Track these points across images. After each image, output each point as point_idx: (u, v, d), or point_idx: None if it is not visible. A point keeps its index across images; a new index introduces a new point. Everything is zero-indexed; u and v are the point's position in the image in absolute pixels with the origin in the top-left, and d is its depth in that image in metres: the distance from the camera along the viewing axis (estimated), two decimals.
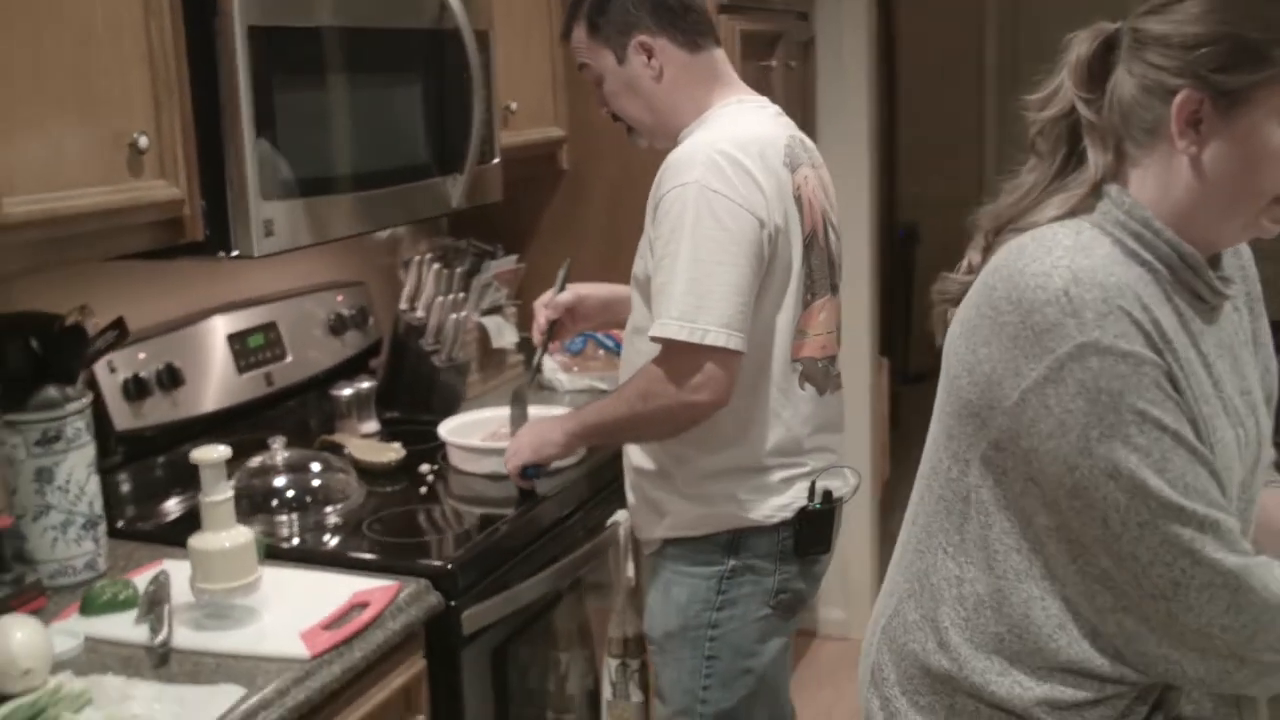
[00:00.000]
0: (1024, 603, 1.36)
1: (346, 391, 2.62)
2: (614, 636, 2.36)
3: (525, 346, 2.96)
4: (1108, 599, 1.32)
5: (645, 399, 2.01)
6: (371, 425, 2.66)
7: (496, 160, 2.60)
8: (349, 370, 2.70)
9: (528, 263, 3.14)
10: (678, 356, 1.96)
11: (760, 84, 3.20)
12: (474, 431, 2.49)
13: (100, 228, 1.79)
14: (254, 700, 1.60)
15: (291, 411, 2.57)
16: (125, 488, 2.19)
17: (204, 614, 1.80)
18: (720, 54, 2.18)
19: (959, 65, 7.00)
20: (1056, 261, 1.28)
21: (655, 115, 2.15)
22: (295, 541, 2.13)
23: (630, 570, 2.33)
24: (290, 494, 2.21)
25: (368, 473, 2.41)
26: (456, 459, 2.42)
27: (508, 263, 3.06)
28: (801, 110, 3.69)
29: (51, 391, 1.89)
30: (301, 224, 2.04)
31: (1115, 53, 1.36)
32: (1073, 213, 1.36)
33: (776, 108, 2.21)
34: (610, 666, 2.38)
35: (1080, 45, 1.39)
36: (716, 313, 1.93)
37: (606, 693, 2.40)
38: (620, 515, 2.33)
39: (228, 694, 1.61)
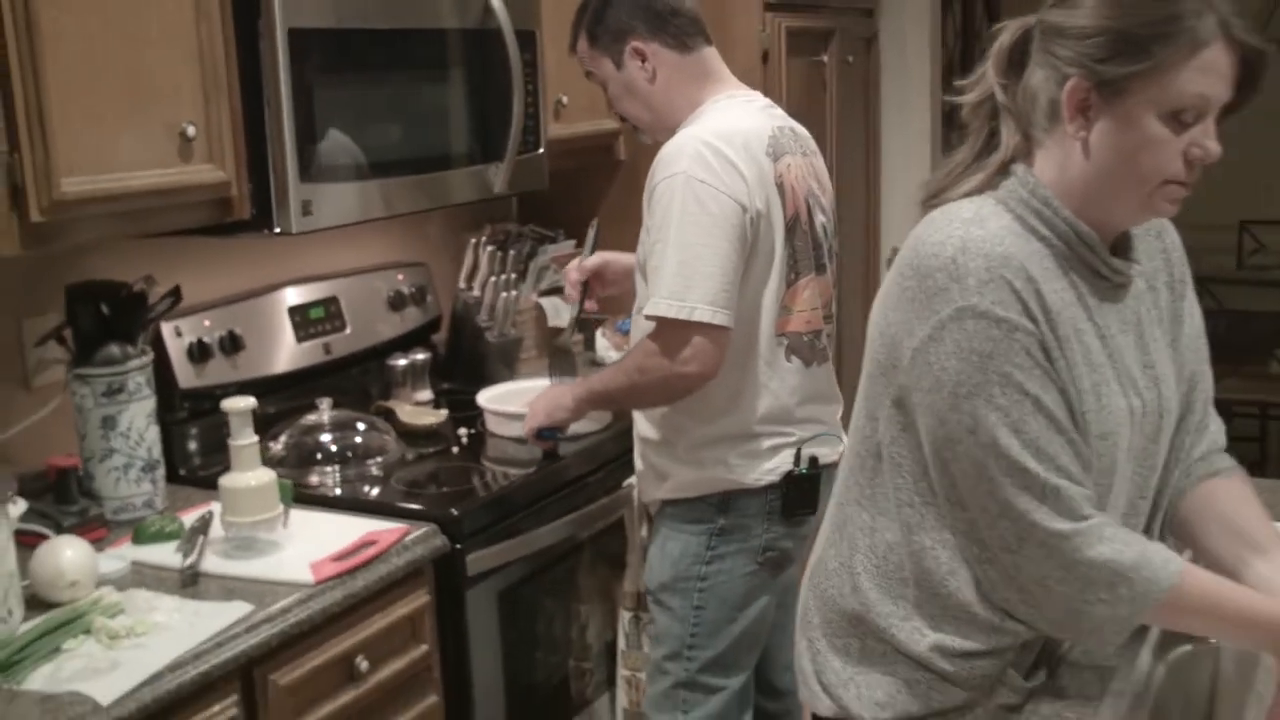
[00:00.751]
0: (920, 552, 1.50)
1: (402, 362, 2.87)
2: (628, 591, 2.56)
3: (584, 325, 3.16)
4: (975, 550, 1.45)
5: (642, 371, 2.21)
6: (425, 394, 2.91)
7: (541, 150, 2.82)
8: (408, 343, 2.94)
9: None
10: (669, 332, 2.15)
11: (812, 79, 3.39)
12: (513, 400, 2.70)
13: (154, 205, 2.06)
14: (259, 616, 1.85)
15: (351, 379, 2.82)
16: (188, 439, 2.46)
17: (232, 545, 2.06)
18: (711, 52, 2.35)
19: None
20: (952, 232, 1.42)
21: (654, 113, 2.34)
22: (337, 491, 2.38)
23: (644, 530, 2.52)
24: (334, 449, 2.47)
25: (411, 434, 2.66)
26: (491, 423, 2.66)
27: (565, 247, 3.27)
28: (864, 105, 3.83)
29: (114, 349, 2.17)
30: (338, 205, 2.29)
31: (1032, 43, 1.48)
32: (984, 188, 1.49)
33: (766, 101, 2.37)
34: (624, 619, 2.58)
35: (1004, 34, 1.51)
36: (703, 291, 2.11)
37: (621, 643, 2.60)
38: (634, 479, 2.52)
39: (238, 609, 1.86)
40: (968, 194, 1.50)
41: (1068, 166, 1.45)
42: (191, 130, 2.07)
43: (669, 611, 2.33)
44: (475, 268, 3.04)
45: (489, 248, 3.02)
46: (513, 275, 3.04)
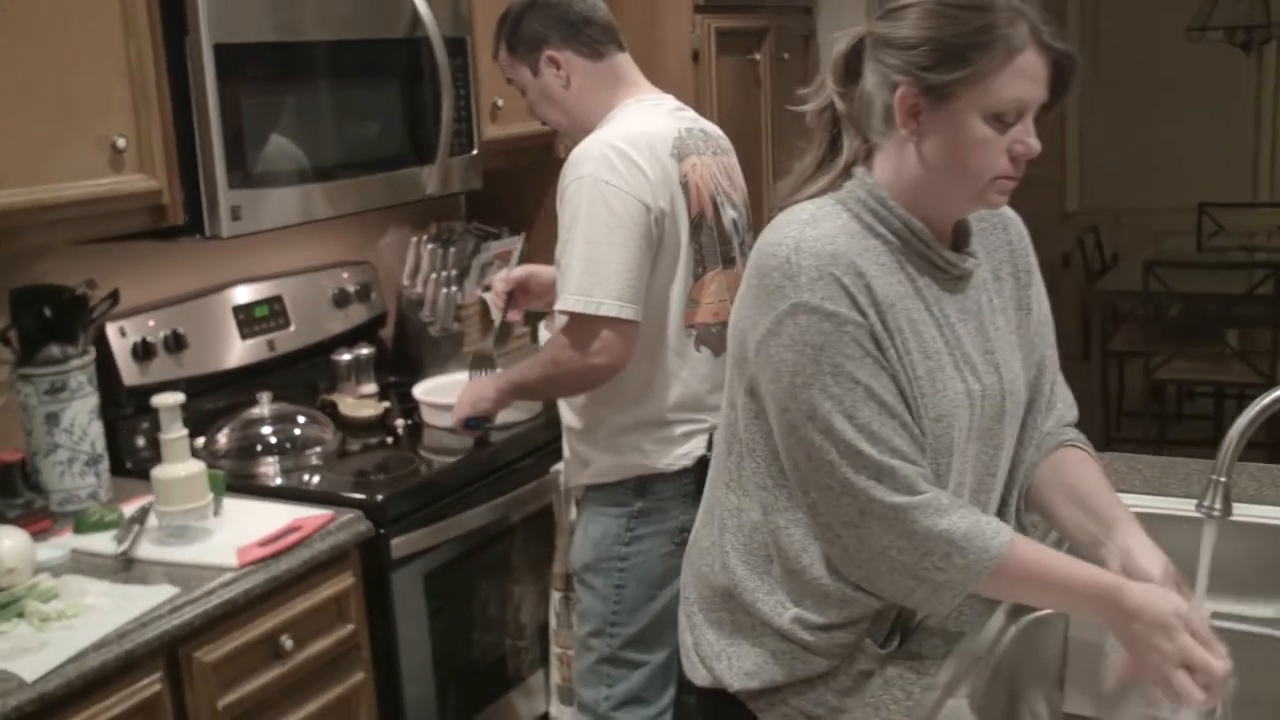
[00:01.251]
0: (776, 531, 1.62)
1: (346, 357, 3.00)
2: (557, 572, 2.69)
3: (532, 318, 3.28)
4: (821, 528, 1.57)
5: (555, 364, 2.33)
6: (370, 387, 3.03)
7: (475, 152, 2.94)
8: (353, 338, 3.07)
9: (532, 243, 3.47)
10: (578, 326, 2.27)
11: (745, 76, 3.51)
12: (449, 392, 2.81)
13: (88, 214, 2.18)
14: (184, 598, 1.98)
15: (298, 373, 2.95)
16: (134, 434, 2.59)
17: (166, 533, 2.19)
18: (624, 58, 2.47)
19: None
20: (788, 233, 1.53)
21: (570, 118, 2.46)
22: (277, 480, 2.51)
23: (572, 514, 2.65)
24: (274, 440, 2.61)
25: (352, 426, 2.79)
26: (426, 414, 2.78)
27: (509, 243, 3.39)
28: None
29: (54, 350, 2.29)
30: (268, 209, 2.42)
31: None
32: (827, 190, 1.60)
33: (675, 104, 2.48)
34: (555, 599, 2.71)
35: (839, 44, 1.60)
36: (609, 286, 2.24)
37: (552, 622, 2.73)
38: (560, 465, 2.65)
39: (164, 592, 1.99)
40: (812, 196, 1.60)
41: (903, 167, 1.56)
42: (122, 142, 2.19)
43: (592, 591, 2.46)
44: (418, 265, 3.17)
45: (429, 245, 3.15)
46: (454, 272, 3.16)
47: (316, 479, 2.51)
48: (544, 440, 2.73)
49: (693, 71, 3.31)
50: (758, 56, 3.58)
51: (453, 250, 3.19)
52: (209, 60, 2.28)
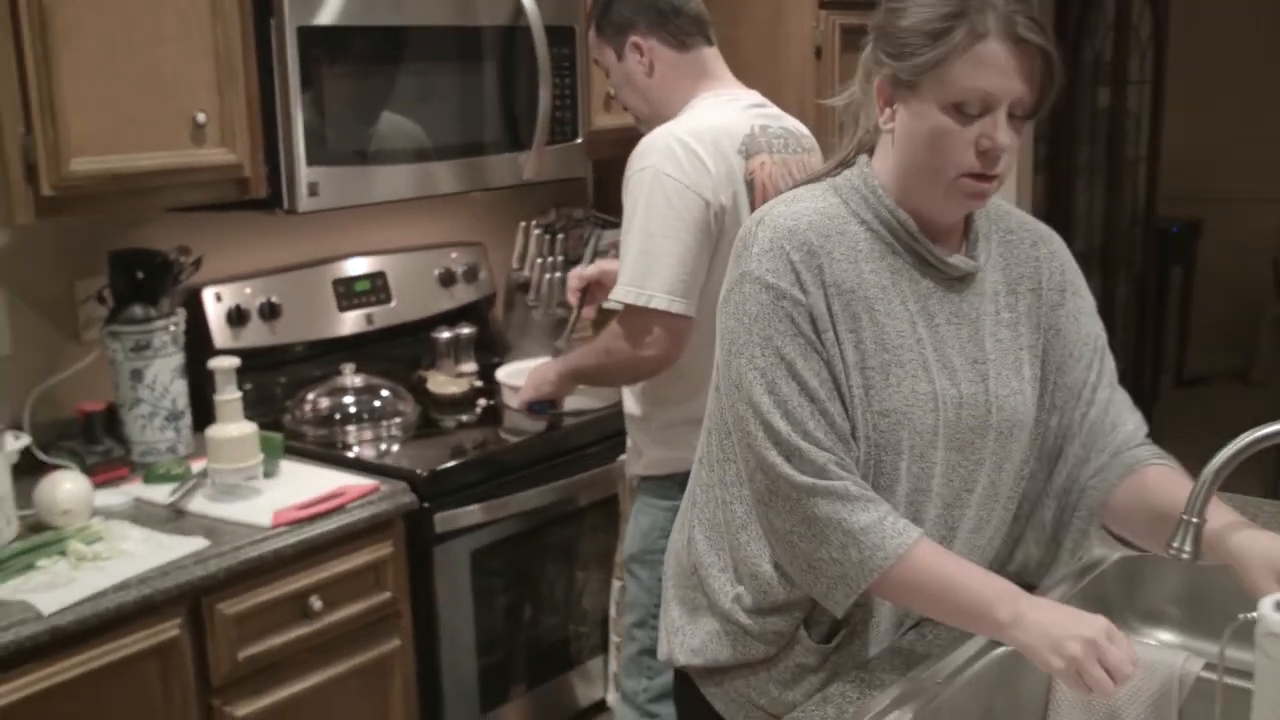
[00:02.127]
0: (724, 505, 1.64)
1: (445, 335, 3.09)
2: (618, 560, 2.72)
3: (605, 314, 3.31)
4: (748, 504, 1.59)
5: (608, 353, 2.37)
6: (469, 366, 3.13)
7: (579, 140, 2.99)
8: (458, 317, 3.16)
9: None
10: (630, 317, 2.30)
11: None
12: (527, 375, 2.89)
13: (165, 184, 2.33)
14: (212, 551, 2.10)
15: (398, 348, 3.07)
16: None
17: (219, 490, 2.32)
18: (710, 52, 2.47)
19: (1241, 57, 6.70)
20: (770, 209, 1.58)
21: (650, 105, 2.48)
22: (354, 449, 2.62)
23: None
24: (353, 410, 2.72)
25: (437, 402, 2.89)
26: (505, 396, 2.85)
27: None
28: None
29: (137, 310, 2.45)
30: (344, 187, 2.53)
31: None
32: (827, 176, 1.63)
33: (753, 100, 2.47)
34: (615, 587, 2.74)
35: (866, 39, 1.61)
36: (661, 279, 2.26)
37: (611, 610, 2.76)
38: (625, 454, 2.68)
39: (195, 543, 2.11)
40: (816, 180, 1.64)
41: (886, 158, 1.57)
42: (202, 117, 2.33)
43: (638, 581, 2.48)
44: (525, 249, 3.24)
45: (537, 230, 3.22)
46: (560, 258, 3.22)
47: (388, 449, 2.61)
48: (615, 428, 2.75)
49: (814, 67, 3.28)
50: None
51: (561, 236, 3.24)
52: (292, 42, 2.40)
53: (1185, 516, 1.49)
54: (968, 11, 1.44)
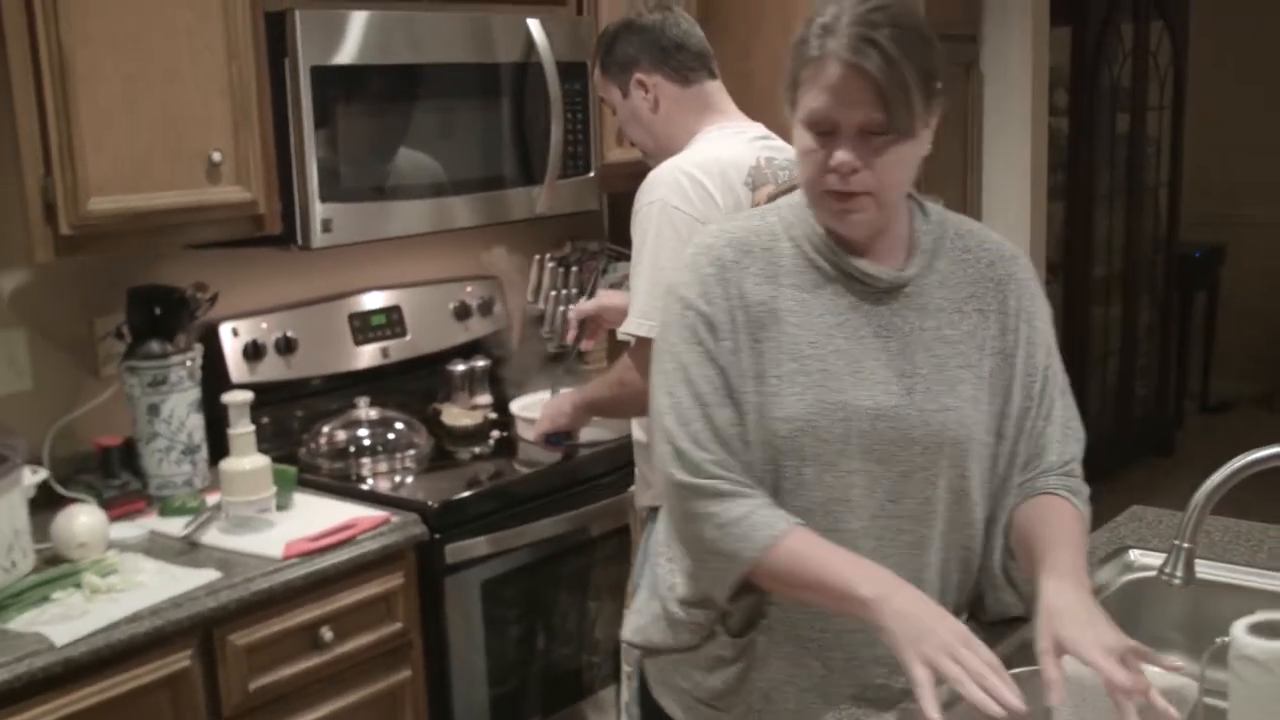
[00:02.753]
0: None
1: (460, 368, 3.13)
2: (629, 590, 2.74)
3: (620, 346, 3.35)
4: None
5: (621, 384, 2.40)
6: (484, 398, 3.16)
7: (592, 174, 3.03)
8: (473, 350, 3.20)
9: None
10: (642, 350, 2.32)
11: None
12: (541, 408, 2.92)
13: (183, 221, 2.38)
14: (223, 583, 2.13)
15: (413, 380, 3.10)
16: None
17: (232, 523, 2.35)
18: (714, 85, 2.51)
19: (1261, 81, 6.71)
20: (705, 228, 1.76)
21: (655, 140, 2.52)
22: (368, 482, 2.65)
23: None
24: (367, 443, 2.75)
25: (451, 434, 2.92)
26: (520, 428, 2.88)
27: None
28: (961, 131, 3.88)
29: (154, 345, 2.50)
30: (358, 223, 2.57)
31: None
32: (788, 194, 1.71)
33: (759, 132, 2.50)
34: (627, 616, 2.75)
35: None
36: None
37: (623, 639, 2.78)
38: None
39: (206, 575, 2.15)
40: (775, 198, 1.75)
41: None
42: (217, 156, 2.38)
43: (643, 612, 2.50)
44: (540, 282, 3.28)
45: (550, 264, 3.26)
46: (574, 290, 3.26)
47: (402, 481, 2.64)
48: (627, 459, 2.76)
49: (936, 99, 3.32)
50: None
51: (575, 269, 3.28)
52: (306, 81, 2.45)
53: (1177, 542, 1.51)
54: (810, 39, 1.51)
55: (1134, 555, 2.09)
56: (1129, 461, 5.91)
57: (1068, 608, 1.44)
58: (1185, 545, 1.50)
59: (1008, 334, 1.67)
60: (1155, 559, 2.01)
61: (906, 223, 1.66)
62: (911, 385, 1.61)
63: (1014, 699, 1.36)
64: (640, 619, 1.82)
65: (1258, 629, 1.17)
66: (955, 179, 3.88)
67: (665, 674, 1.80)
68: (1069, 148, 5.50)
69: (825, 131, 1.51)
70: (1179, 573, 1.51)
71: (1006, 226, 3.99)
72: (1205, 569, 1.98)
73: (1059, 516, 1.62)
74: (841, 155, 1.50)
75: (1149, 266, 6.18)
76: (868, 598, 1.48)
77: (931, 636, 1.42)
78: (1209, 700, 1.49)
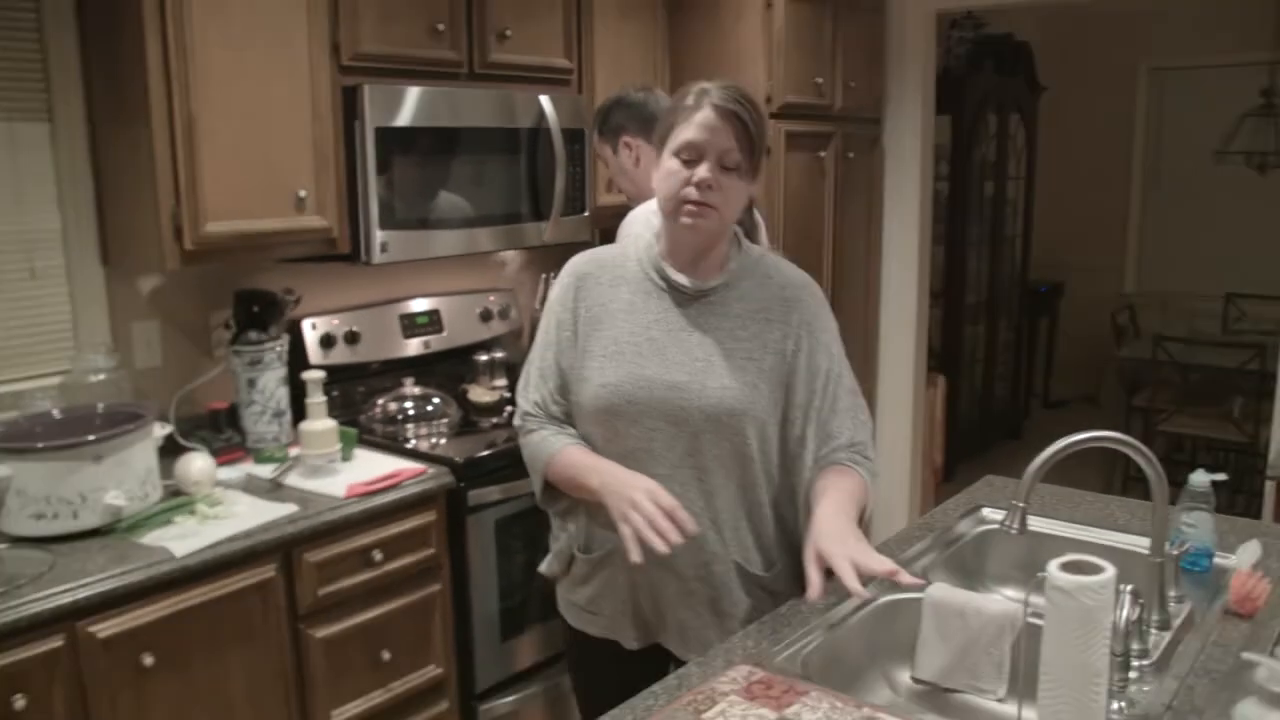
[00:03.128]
0: None
1: (483, 357, 3.14)
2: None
3: None
4: None
5: None
6: (501, 381, 3.17)
7: (587, 213, 3.06)
8: (492, 345, 3.22)
9: None
10: None
11: (812, 170, 3.51)
12: None
13: (275, 242, 2.40)
14: (300, 515, 2.15)
15: (448, 366, 3.12)
16: None
17: (309, 470, 2.37)
18: None
19: (1092, 159, 6.80)
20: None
21: (636, 188, 2.54)
22: (411, 442, 2.67)
23: None
24: (411, 412, 2.77)
25: (476, 407, 2.94)
26: None
27: None
28: (868, 190, 3.92)
29: (253, 335, 2.52)
30: (408, 246, 2.59)
31: None
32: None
33: None
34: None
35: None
36: None
37: None
38: None
39: (288, 509, 2.17)
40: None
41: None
42: (303, 193, 2.40)
43: None
44: (544, 295, 3.30)
45: (553, 280, 3.27)
46: None
47: (437, 442, 2.66)
48: None
49: (765, 163, 3.34)
50: (823, 154, 3.58)
51: None
52: (371, 139, 2.47)
53: (1014, 502, 1.55)
54: (689, 96, 1.59)
55: (985, 512, 2.13)
56: (988, 443, 5.97)
57: (830, 528, 1.50)
58: (1020, 504, 1.53)
59: (788, 340, 1.65)
60: (1000, 515, 2.07)
61: (725, 252, 1.67)
62: (701, 368, 1.62)
63: (675, 535, 1.47)
64: (549, 556, 1.88)
65: (1067, 566, 1.21)
66: (862, 226, 3.91)
67: (562, 593, 1.84)
68: (948, 205, 5.55)
69: (690, 159, 1.56)
70: (1015, 524, 1.54)
71: (902, 262, 4.03)
72: (1038, 523, 2.04)
73: (840, 477, 1.63)
74: (703, 173, 1.56)
75: (1007, 297, 6.23)
76: (595, 487, 1.59)
77: (624, 496, 1.52)
78: (1032, 620, 1.54)
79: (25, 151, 2.31)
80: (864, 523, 1.63)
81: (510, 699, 2.63)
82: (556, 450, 1.67)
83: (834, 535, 1.49)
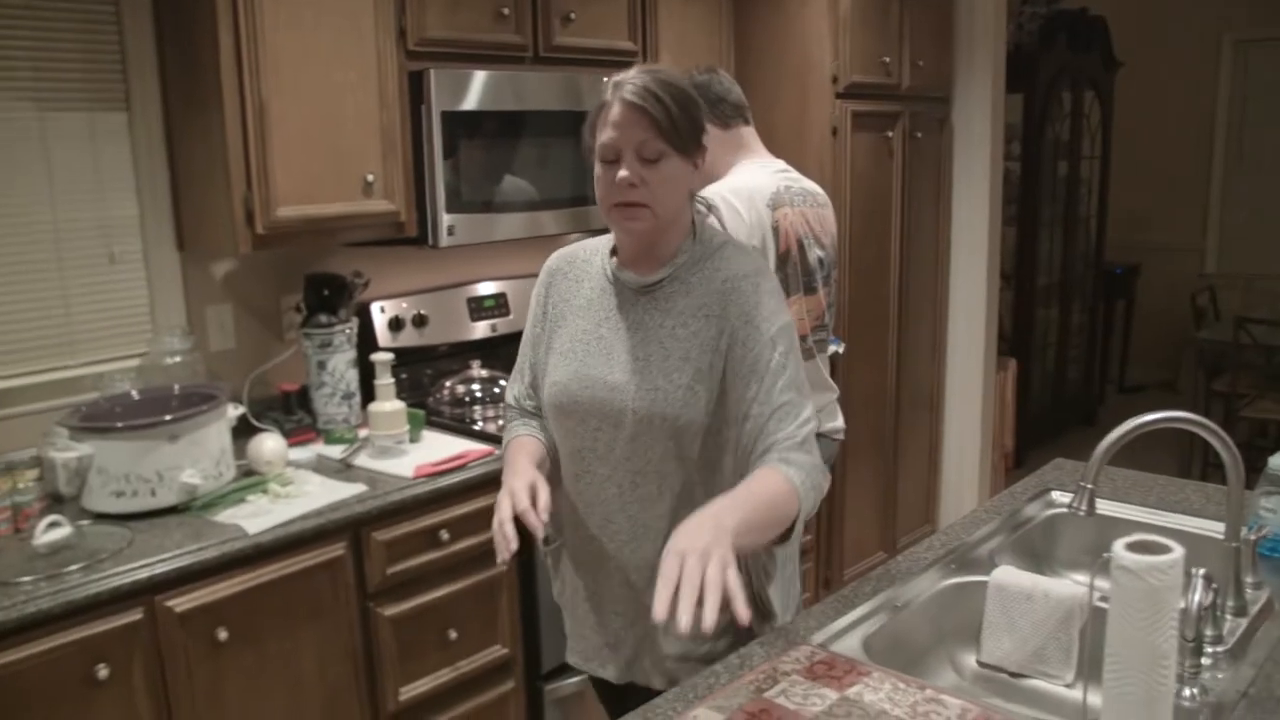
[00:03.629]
0: None
1: None
2: None
3: None
4: None
5: None
6: None
7: None
8: None
9: None
10: None
11: (880, 150, 3.47)
12: None
13: (344, 225, 2.43)
14: (369, 494, 2.19)
15: (514, 349, 3.10)
16: None
17: (378, 450, 2.42)
18: (748, 130, 2.51)
19: (1170, 137, 6.60)
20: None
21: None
22: (478, 423, 2.70)
23: None
24: (478, 394, 2.81)
25: None
26: None
27: None
28: (936, 171, 3.85)
29: (321, 317, 2.57)
30: (474, 229, 2.61)
31: None
32: None
33: (780, 166, 2.50)
34: None
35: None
36: None
37: None
38: None
39: (357, 488, 2.21)
40: None
41: None
42: (371, 178, 2.43)
43: None
44: None
45: None
46: None
47: (499, 425, 2.67)
48: None
49: (831, 143, 3.32)
50: (890, 134, 3.53)
51: None
52: (437, 123, 2.49)
53: (1082, 483, 1.52)
54: (606, 91, 1.54)
55: (1054, 495, 2.10)
56: (1061, 429, 5.86)
57: (688, 524, 1.31)
58: (1088, 485, 1.51)
59: (723, 335, 1.54)
60: (1069, 498, 2.02)
61: (675, 244, 1.59)
62: (640, 368, 1.56)
63: (504, 553, 1.45)
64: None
65: (1133, 546, 1.18)
66: (930, 207, 3.85)
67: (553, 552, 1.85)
68: (1020, 186, 5.44)
69: (611, 160, 1.51)
70: (1083, 506, 1.51)
71: (972, 244, 3.97)
72: (1109, 507, 2.00)
73: (756, 477, 1.47)
74: (622, 173, 1.50)
75: (1080, 279, 6.10)
76: (504, 481, 1.56)
77: (504, 488, 1.53)
78: (1098, 605, 1.51)
79: (105, 140, 2.38)
80: (793, 527, 1.49)
81: (574, 679, 2.65)
82: (508, 442, 1.71)
83: (685, 531, 1.29)
